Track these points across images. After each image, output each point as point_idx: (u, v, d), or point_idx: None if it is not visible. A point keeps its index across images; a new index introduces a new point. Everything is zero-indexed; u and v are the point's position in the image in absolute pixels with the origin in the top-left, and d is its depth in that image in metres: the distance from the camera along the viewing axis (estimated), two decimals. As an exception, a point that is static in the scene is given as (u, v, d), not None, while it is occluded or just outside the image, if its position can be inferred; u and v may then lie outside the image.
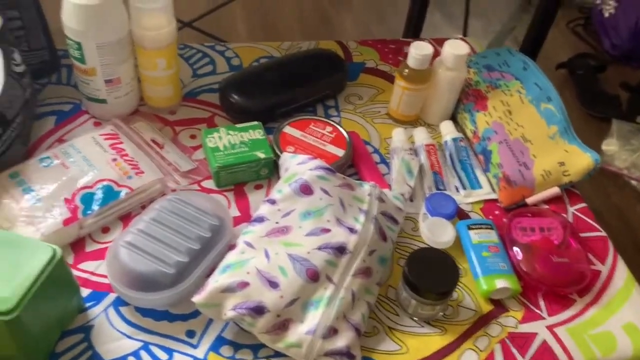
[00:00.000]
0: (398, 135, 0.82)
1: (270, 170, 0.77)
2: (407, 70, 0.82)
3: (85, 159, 0.72)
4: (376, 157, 0.82)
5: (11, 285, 0.52)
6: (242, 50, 0.95)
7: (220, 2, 1.88)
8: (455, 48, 0.80)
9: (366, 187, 0.69)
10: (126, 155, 0.73)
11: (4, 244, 0.55)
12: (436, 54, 0.83)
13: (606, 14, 1.99)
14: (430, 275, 0.63)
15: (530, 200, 0.77)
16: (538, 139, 0.79)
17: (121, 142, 0.75)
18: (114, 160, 0.72)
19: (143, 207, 0.71)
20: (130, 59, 0.77)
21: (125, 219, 0.71)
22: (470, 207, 0.78)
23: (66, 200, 0.67)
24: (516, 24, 2.24)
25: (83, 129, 0.80)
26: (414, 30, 1.40)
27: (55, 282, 0.56)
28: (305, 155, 0.71)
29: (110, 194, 0.69)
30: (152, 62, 0.77)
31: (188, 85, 0.89)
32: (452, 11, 2.31)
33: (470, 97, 0.85)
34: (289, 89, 0.85)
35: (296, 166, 0.69)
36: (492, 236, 0.71)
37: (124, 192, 0.69)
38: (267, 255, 0.60)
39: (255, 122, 0.79)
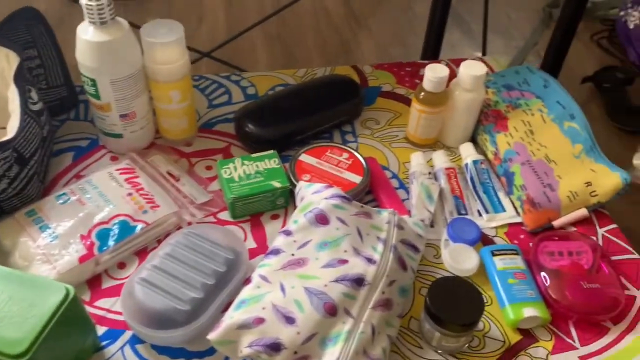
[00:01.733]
0: (417, 159, 0.80)
1: (287, 200, 0.75)
2: (423, 94, 0.80)
3: (102, 194, 0.72)
4: (395, 183, 0.80)
5: (24, 327, 0.52)
6: (257, 79, 0.95)
7: (239, 30, 1.89)
8: (471, 69, 0.78)
9: (384, 215, 0.67)
10: (142, 189, 0.73)
11: (18, 284, 0.55)
12: (453, 75, 0.82)
13: (631, 25, 1.95)
14: (454, 305, 0.60)
15: (556, 223, 0.74)
16: (563, 158, 0.77)
17: (137, 176, 0.75)
18: (130, 194, 0.72)
19: (159, 242, 0.71)
20: (144, 92, 0.77)
21: (142, 253, 0.70)
22: (494, 231, 0.75)
23: (82, 237, 0.67)
24: (538, 39, 2.22)
25: (100, 164, 0.80)
26: (432, 52, 1.39)
27: (70, 321, 0.55)
28: (321, 184, 0.69)
29: (126, 229, 0.69)
30: (166, 95, 0.77)
31: (204, 116, 0.89)
32: (472, 28, 2.30)
33: (490, 118, 0.83)
34: (304, 117, 0.84)
35: (311, 195, 0.68)
36: (518, 262, 0.68)
37: (139, 227, 0.69)
38: (282, 289, 0.59)
39: (271, 151, 0.78)
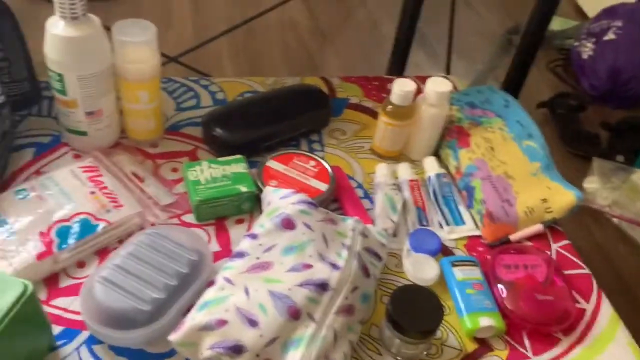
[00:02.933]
0: (381, 171, 0.82)
1: (252, 205, 0.75)
2: (390, 107, 0.82)
3: (63, 191, 0.70)
4: (360, 192, 0.82)
5: (-22, 323, 0.50)
6: (226, 85, 0.95)
7: (207, 38, 1.89)
8: (437, 85, 0.81)
9: (349, 222, 0.68)
10: (105, 188, 0.72)
11: (-27, 278, 0.53)
12: (419, 91, 0.84)
13: (584, 56, 2.04)
14: (414, 313, 0.61)
15: (513, 237, 0.77)
16: (521, 175, 0.80)
17: (100, 175, 0.74)
18: (93, 193, 0.71)
19: (121, 242, 0.69)
20: (112, 91, 0.77)
21: (102, 253, 0.69)
22: (454, 243, 0.77)
23: (41, 234, 0.66)
24: (498, 64, 2.29)
25: (62, 161, 0.78)
26: (397, 69, 1.42)
27: (26, 319, 0.54)
28: (288, 190, 0.70)
29: (87, 227, 0.67)
30: (135, 95, 0.77)
31: (171, 118, 0.88)
32: (435, 50, 2.36)
33: (453, 134, 0.86)
34: (272, 123, 0.85)
35: (279, 200, 0.68)
36: (476, 273, 0.71)
37: (101, 226, 0.68)
38: (246, 292, 0.59)
39: (238, 156, 0.78)
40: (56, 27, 0.69)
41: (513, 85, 1.24)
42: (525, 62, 1.21)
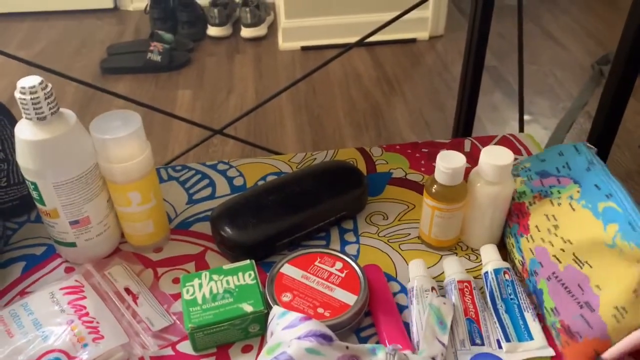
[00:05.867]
0: (416, 269, 0.64)
1: (263, 327, 0.60)
2: (435, 187, 0.65)
3: (37, 322, 0.59)
4: (403, 299, 0.64)
5: None
6: (246, 168, 0.82)
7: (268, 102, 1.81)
8: (494, 157, 0.63)
9: (380, 356, 0.51)
10: (86, 314, 0.60)
11: None
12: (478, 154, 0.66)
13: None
14: None
15: (607, 355, 0.55)
16: (596, 254, 0.56)
17: (84, 298, 0.62)
18: (71, 322, 0.59)
19: (100, 384, 0.57)
20: (100, 195, 0.66)
21: (78, 400, 0.56)
22: (528, 369, 0.57)
23: (2, 382, 0.54)
24: (588, 99, 2.03)
25: (51, 277, 0.68)
26: (464, 124, 1.23)
27: None
28: (296, 315, 0.54)
29: (58, 369, 0.55)
30: (125, 197, 0.65)
31: (181, 214, 0.76)
32: (514, 89, 2.13)
33: (513, 217, 0.66)
34: (294, 214, 0.70)
35: (281, 332, 0.53)
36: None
37: (75, 367, 0.56)
38: None
39: (247, 262, 0.64)
40: (23, 131, 0.60)
41: (607, 123, 1.01)
42: (621, 91, 0.98)
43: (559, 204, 0.63)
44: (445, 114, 1.98)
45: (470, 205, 0.66)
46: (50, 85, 0.59)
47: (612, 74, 0.94)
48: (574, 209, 0.61)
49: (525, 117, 1.96)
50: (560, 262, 0.58)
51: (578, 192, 0.62)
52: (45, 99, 0.58)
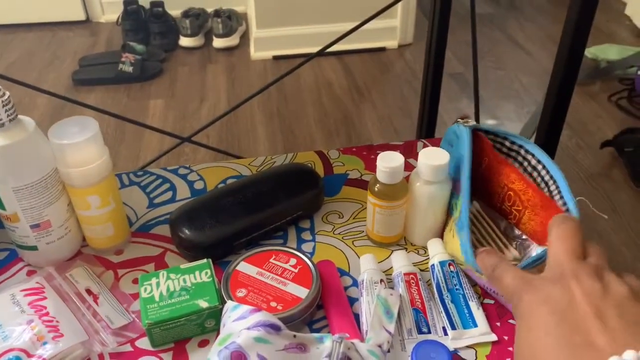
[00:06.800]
0: (366, 263, 0.67)
1: (218, 322, 0.63)
2: (377, 185, 0.68)
3: (-3, 323, 0.61)
4: (355, 292, 0.67)
5: None
6: (206, 172, 0.85)
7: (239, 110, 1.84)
8: (431, 158, 0.66)
9: (327, 344, 0.54)
10: (46, 314, 0.62)
11: None
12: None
13: (651, 83, 1.82)
14: None
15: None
16: None
17: (44, 298, 0.64)
18: (31, 322, 0.61)
19: (60, 380, 0.59)
20: (60, 199, 0.68)
21: (38, 396, 0.58)
22: (473, 355, 0.60)
23: (-38, 381, 0.56)
24: (551, 103, 2.09)
25: (14, 280, 0.70)
26: (427, 125, 1.27)
27: None
28: (246, 307, 0.57)
29: (18, 367, 0.57)
30: (84, 201, 0.68)
31: (142, 217, 0.78)
32: (482, 95, 2.19)
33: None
34: (250, 215, 0.73)
35: (232, 324, 0.55)
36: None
37: (34, 364, 0.57)
38: None
39: (204, 261, 0.67)
40: (-19, 138, 0.62)
41: (552, 125, 1.05)
42: (563, 92, 1.01)
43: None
44: (413, 120, 2.02)
45: (411, 204, 0.70)
46: (7, 93, 0.61)
47: (554, 72, 0.98)
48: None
49: (491, 121, 2.02)
50: None
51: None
52: (3, 106, 0.60)
